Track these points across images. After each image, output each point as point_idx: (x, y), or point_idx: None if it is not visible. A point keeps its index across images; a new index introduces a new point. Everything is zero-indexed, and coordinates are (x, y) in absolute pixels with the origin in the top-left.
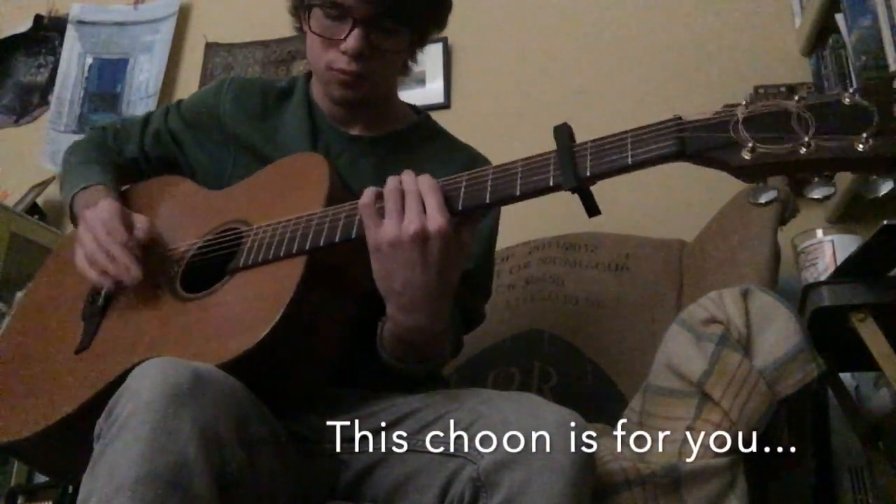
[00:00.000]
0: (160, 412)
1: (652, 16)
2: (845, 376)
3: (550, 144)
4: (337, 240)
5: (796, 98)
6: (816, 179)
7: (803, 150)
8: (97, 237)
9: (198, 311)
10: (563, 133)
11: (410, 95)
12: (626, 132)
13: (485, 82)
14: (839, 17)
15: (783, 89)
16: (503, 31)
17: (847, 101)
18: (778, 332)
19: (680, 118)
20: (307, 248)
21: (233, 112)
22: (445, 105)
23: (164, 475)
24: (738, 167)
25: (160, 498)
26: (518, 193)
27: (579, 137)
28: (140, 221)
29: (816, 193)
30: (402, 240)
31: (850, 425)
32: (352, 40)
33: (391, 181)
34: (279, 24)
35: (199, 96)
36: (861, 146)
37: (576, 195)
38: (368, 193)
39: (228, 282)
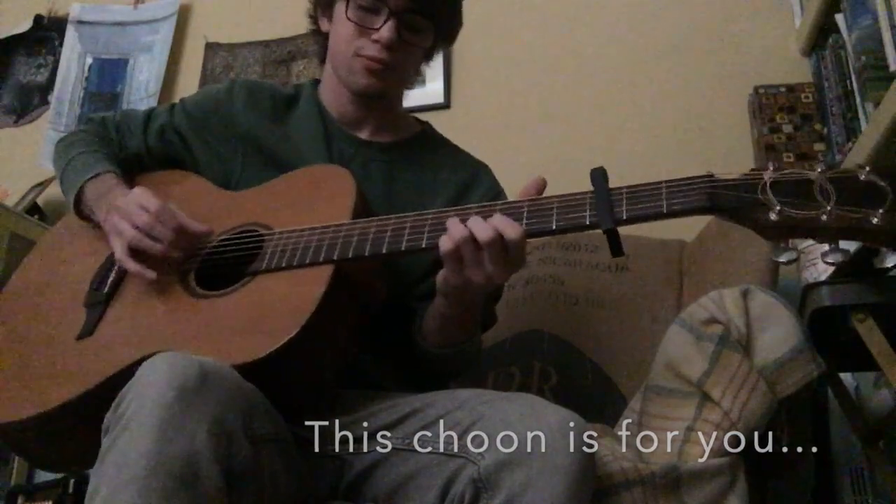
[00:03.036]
0: (169, 406)
1: (651, 16)
2: (845, 376)
3: (550, 144)
4: (367, 254)
5: (819, 170)
6: (832, 246)
7: (825, 218)
8: (139, 219)
9: (215, 310)
10: (599, 176)
11: (410, 96)
12: (660, 182)
13: (485, 82)
14: (839, 17)
15: (783, 89)
16: (503, 31)
17: (863, 178)
18: (778, 332)
19: (712, 175)
20: (335, 258)
21: (245, 112)
22: (445, 105)
23: (173, 468)
24: (765, 227)
25: (169, 490)
26: (554, 228)
27: (579, 137)
28: (174, 207)
29: (831, 259)
30: (479, 284)
31: (850, 425)
32: (385, 30)
33: (458, 229)
34: (279, 24)
35: (207, 94)
36: (875, 220)
37: (604, 235)
38: (448, 244)
39: (249, 283)
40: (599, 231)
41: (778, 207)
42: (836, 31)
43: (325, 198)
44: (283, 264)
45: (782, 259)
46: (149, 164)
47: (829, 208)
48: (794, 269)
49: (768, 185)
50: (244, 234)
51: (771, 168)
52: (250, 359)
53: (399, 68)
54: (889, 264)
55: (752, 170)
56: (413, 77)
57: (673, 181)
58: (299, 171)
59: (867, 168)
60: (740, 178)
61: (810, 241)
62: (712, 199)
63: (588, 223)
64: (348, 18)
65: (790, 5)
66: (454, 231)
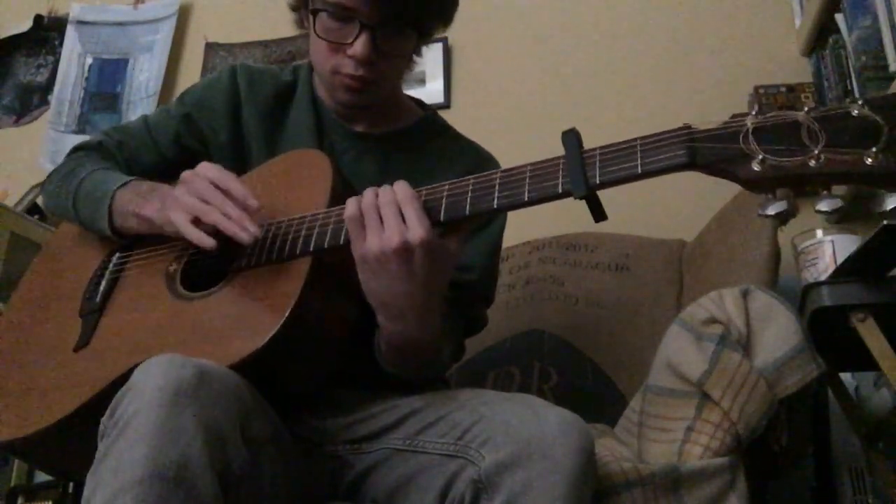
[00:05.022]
0: (164, 410)
1: (652, 15)
2: (845, 376)
3: (550, 144)
4: (342, 242)
5: (805, 109)
6: (825, 192)
7: (813, 164)
8: (207, 190)
9: (199, 312)
10: (572, 139)
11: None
12: (635, 140)
13: (485, 82)
14: (839, 17)
15: (783, 89)
16: (503, 31)
17: (856, 113)
18: (778, 332)
19: (689, 127)
20: (311, 250)
21: (248, 100)
22: (445, 105)
23: (168, 474)
24: (748, 179)
25: (164, 496)
26: (526, 199)
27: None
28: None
29: (825, 206)
30: (386, 253)
31: (850, 425)
32: (359, 46)
33: (367, 195)
34: (279, 24)
35: (208, 85)
36: (870, 160)
37: (582, 201)
38: (352, 205)
39: (230, 282)
40: (599, 231)
41: (760, 156)
42: (836, 31)
43: (302, 185)
44: (263, 260)
45: (770, 212)
46: (165, 174)
47: (816, 152)
48: (794, 269)
49: (750, 131)
50: None
51: (754, 112)
52: (234, 360)
53: (383, 79)
54: (889, 207)
55: (734, 115)
56: (405, 73)
57: (648, 137)
58: (277, 158)
59: (860, 101)
60: (720, 127)
61: (810, 241)
62: (691, 153)
63: (560, 191)
64: (318, 35)
65: (790, 5)
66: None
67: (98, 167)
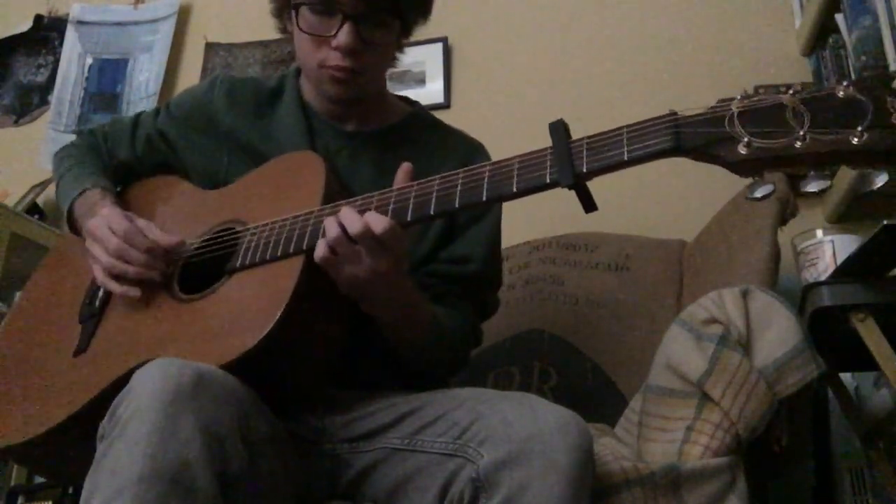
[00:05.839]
0: (162, 412)
1: (652, 16)
2: (845, 376)
3: (550, 143)
4: None
5: (791, 92)
6: (812, 173)
7: (798, 144)
8: (109, 245)
9: (196, 313)
10: (559, 129)
11: (410, 95)
12: (621, 128)
13: (485, 82)
14: (839, 17)
15: (782, 89)
16: (503, 31)
17: (841, 94)
18: (778, 333)
19: (675, 113)
20: (304, 247)
21: (226, 109)
22: (445, 105)
23: (167, 475)
24: (734, 162)
25: (162, 497)
26: (515, 191)
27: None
28: (143, 224)
29: (812, 187)
30: (363, 282)
31: (850, 425)
32: (342, 36)
33: (331, 230)
34: None
35: (189, 94)
36: (856, 140)
37: (572, 191)
38: (322, 248)
39: (226, 282)
40: (599, 231)
41: (746, 139)
42: (836, 31)
43: (295, 186)
44: (257, 259)
45: (756, 195)
46: (140, 171)
47: (801, 133)
48: (794, 269)
49: (736, 115)
50: (221, 233)
51: (739, 96)
52: (230, 358)
53: (369, 70)
54: (877, 185)
55: (721, 100)
56: (391, 63)
57: (634, 125)
58: (271, 161)
59: (845, 83)
60: (706, 112)
61: (810, 241)
62: (677, 138)
63: (548, 181)
64: (301, 30)
65: (790, 5)
66: (329, 230)
67: (74, 164)
